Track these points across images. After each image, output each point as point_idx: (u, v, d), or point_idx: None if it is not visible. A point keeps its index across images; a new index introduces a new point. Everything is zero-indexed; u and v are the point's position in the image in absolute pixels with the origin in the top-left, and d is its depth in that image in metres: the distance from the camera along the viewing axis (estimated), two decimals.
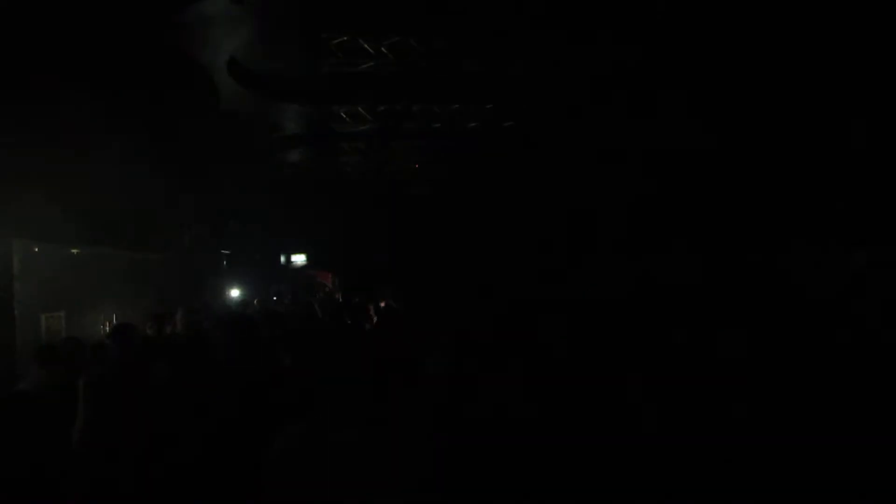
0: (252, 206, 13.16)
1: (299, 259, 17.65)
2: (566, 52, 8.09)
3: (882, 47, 5.45)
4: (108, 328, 7.84)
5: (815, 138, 6.28)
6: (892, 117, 5.62)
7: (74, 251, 7.62)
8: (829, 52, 5.88)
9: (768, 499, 2.40)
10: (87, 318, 7.58)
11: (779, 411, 2.66)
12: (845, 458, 2.40)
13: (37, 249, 6.73)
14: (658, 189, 8.73)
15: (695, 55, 6.93)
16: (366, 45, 8.08)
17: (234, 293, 11.88)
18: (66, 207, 6.36)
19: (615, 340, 3.71)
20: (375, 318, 6.87)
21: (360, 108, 10.40)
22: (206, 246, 11.44)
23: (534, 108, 10.30)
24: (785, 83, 6.46)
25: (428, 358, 2.79)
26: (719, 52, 6.68)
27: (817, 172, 6.40)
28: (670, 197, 8.58)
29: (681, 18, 6.58)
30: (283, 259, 17.31)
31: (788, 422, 2.62)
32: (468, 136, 11.39)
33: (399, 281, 10.75)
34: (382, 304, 8.51)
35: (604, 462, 2.50)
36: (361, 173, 13.88)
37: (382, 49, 8.14)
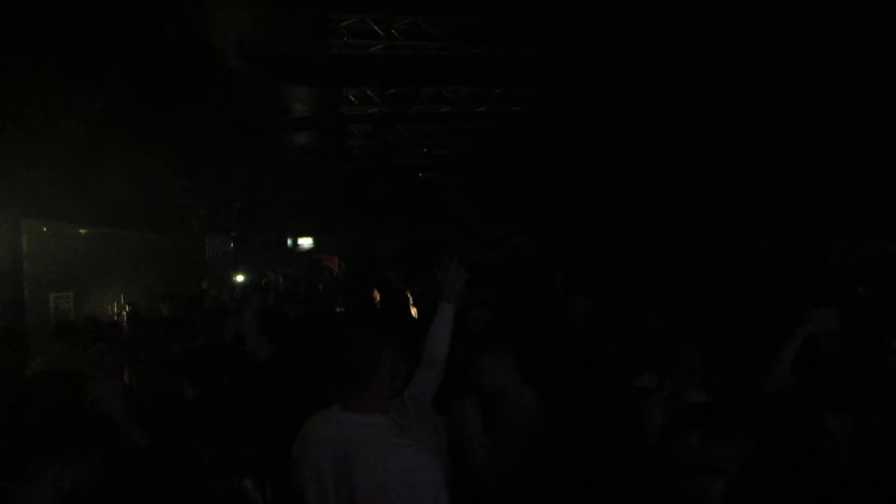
0: (259, 188, 13.14)
1: (306, 242, 17.69)
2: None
3: None
4: (115, 308, 7.87)
5: None
6: None
7: (83, 231, 7.63)
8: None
9: None
10: (96, 297, 7.61)
11: None
12: None
13: (45, 229, 6.74)
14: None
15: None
16: (375, 27, 7.98)
17: (240, 277, 11.82)
18: (74, 188, 6.34)
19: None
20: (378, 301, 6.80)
21: (368, 91, 10.31)
22: (213, 228, 11.44)
23: (542, 93, 10.22)
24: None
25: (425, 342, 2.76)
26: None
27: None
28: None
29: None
30: (290, 242, 17.35)
31: None
32: (478, 119, 11.32)
33: (406, 265, 10.72)
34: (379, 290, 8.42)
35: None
36: (369, 157, 13.81)
37: (392, 31, 8.04)
